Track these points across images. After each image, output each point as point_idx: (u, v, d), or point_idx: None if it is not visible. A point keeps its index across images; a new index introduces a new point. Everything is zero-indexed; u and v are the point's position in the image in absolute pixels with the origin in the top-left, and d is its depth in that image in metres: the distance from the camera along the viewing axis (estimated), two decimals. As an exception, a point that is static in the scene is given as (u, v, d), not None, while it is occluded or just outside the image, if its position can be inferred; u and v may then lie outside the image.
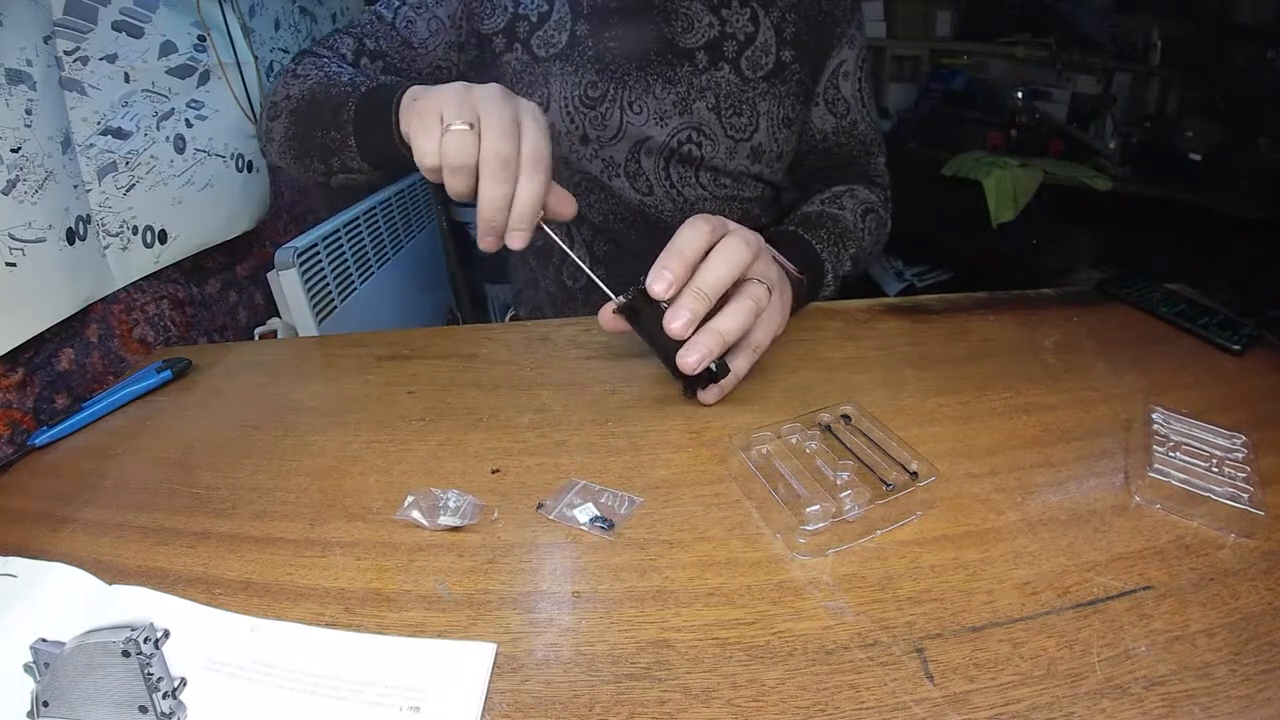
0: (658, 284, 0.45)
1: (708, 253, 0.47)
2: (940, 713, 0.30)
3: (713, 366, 0.48)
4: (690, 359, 0.46)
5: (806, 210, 0.73)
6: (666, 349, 0.48)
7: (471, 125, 0.46)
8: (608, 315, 0.51)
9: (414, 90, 0.53)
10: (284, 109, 0.65)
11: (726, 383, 0.51)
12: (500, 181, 0.46)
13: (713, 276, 0.46)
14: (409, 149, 0.52)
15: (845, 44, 0.74)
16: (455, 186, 0.48)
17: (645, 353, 0.50)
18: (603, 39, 0.70)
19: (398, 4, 0.72)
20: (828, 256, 0.65)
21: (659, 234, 0.52)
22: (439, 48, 0.73)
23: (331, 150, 0.61)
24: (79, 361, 0.69)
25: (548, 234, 0.51)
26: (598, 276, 0.77)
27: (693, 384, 0.51)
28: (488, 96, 0.47)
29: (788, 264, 0.60)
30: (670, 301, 0.46)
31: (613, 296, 0.49)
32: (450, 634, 0.35)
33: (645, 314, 0.48)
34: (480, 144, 0.46)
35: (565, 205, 0.51)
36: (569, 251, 0.52)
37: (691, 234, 0.47)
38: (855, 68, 0.75)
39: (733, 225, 0.49)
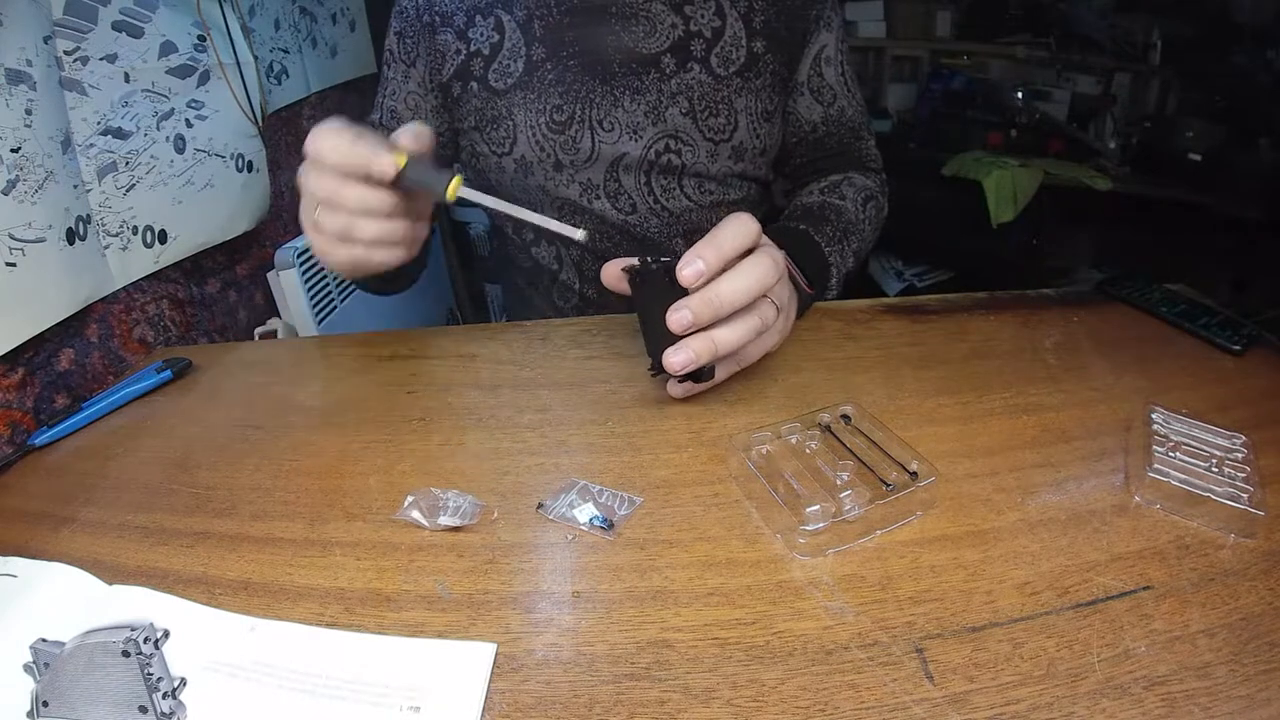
0: (688, 270, 0.43)
1: (742, 254, 0.46)
2: (940, 713, 0.30)
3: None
4: (677, 359, 0.45)
5: (807, 201, 0.72)
6: (657, 333, 0.47)
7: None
8: (613, 271, 0.49)
9: None
10: None
11: (699, 385, 0.50)
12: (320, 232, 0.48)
13: (732, 290, 0.45)
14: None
15: (823, 28, 0.72)
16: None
17: (645, 352, 0.50)
18: (561, 59, 0.67)
19: (380, 100, 0.74)
20: (834, 260, 0.64)
21: (648, 248, 0.52)
22: (427, 119, 0.73)
23: (359, 283, 0.67)
24: (79, 361, 0.69)
25: (472, 199, 0.47)
26: (589, 295, 0.77)
27: (664, 369, 0.50)
28: (302, 182, 0.48)
29: (801, 280, 0.59)
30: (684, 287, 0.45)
31: (573, 236, 0.47)
32: (450, 634, 0.35)
33: (650, 288, 0.47)
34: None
35: (404, 142, 0.47)
36: (498, 205, 0.48)
37: (737, 229, 0.45)
38: (836, 52, 0.73)
39: (766, 239, 0.48)
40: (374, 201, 0.46)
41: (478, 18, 0.69)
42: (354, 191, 0.45)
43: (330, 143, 0.44)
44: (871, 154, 0.79)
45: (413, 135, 0.46)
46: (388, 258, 0.48)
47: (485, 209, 0.47)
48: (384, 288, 0.69)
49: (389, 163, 0.44)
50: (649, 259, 0.47)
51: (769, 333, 0.51)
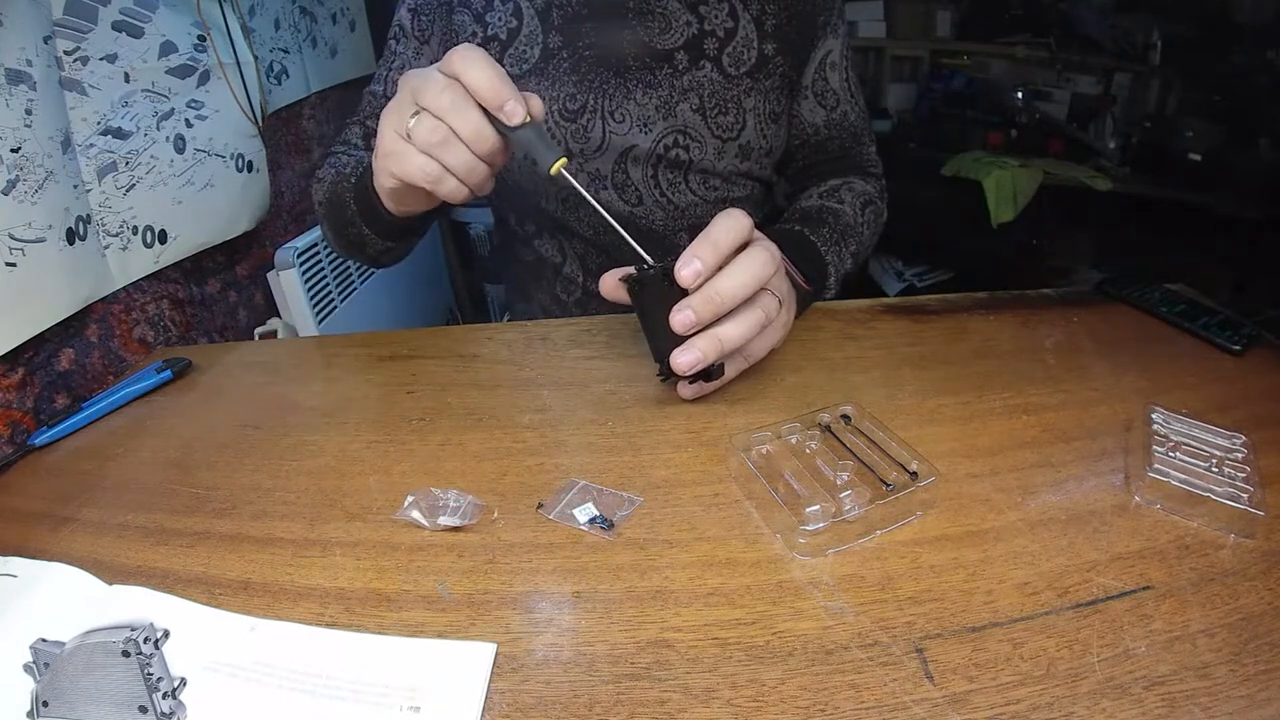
0: (686, 270, 0.44)
1: (737, 250, 0.46)
2: (940, 713, 0.30)
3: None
4: (684, 359, 0.45)
5: (806, 205, 0.72)
6: (661, 336, 0.47)
7: (417, 113, 0.47)
8: (611, 282, 0.50)
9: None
10: (320, 215, 0.70)
11: (709, 384, 0.51)
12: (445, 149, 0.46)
13: (731, 286, 0.45)
14: (393, 213, 0.56)
15: (829, 33, 0.73)
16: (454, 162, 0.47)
17: (646, 353, 0.50)
18: (577, 49, 0.68)
19: (384, 73, 0.74)
20: (831, 259, 0.65)
21: (652, 243, 0.52)
22: None
23: (361, 241, 0.65)
24: (79, 361, 0.69)
25: (570, 182, 0.48)
26: (592, 289, 0.77)
27: (673, 372, 0.49)
28: (412, 85, 0.47)
29: (797, 275, 0.59)
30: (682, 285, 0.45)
31: (647, 259, 0.47)
32: (450, 634, 0.35)
33: (650, 293, 0.47)
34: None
35: (533, 105, 0.48)
36: (593, 200, 0.49)
37: (729, 224, 0.46)
38: (841, 57, 0.75)
39: (757, 232, 0.49)
40: (485, 134, 0.46)
41: (496, 2, 0.69)
42: (474, 116, 0.46)
43: (481, 63, 0.45)
44: (872, 159, 0.80)
45: (539, 103, 0.48)
46: (453, 191, 0.48)
47: (581, 194, 0.48)
48: (382, 257, 0.69)
49: (523, 110, 0.45)
50: (645, 265, 0.47)
51: (773, 326, 0.51)
